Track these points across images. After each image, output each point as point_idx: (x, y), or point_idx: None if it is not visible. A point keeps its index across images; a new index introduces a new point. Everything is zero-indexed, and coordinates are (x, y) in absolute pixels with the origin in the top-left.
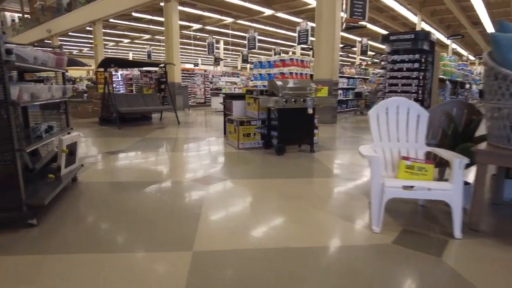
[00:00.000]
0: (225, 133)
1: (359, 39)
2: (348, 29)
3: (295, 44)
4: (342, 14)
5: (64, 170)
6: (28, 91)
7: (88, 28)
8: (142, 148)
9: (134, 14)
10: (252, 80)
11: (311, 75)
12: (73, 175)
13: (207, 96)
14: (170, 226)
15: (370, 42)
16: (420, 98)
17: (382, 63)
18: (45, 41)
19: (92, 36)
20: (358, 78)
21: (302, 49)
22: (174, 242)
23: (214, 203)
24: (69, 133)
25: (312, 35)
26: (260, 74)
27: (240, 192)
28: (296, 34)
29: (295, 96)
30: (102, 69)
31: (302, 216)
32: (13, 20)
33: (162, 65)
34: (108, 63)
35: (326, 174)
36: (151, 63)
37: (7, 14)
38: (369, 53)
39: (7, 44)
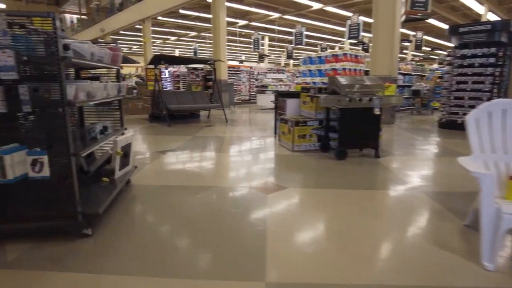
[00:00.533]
0: (275, 133)
1: (413, 33)
2: (407, 22)
3: (343, 39)
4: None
5: (118, 173)
6: (84, 90)
7: (137, 26)
8: (193, 147)
9: (181, 11)
10: (298, 77)
11: (366, 71)
12: (127, 178)
13: (251, 93)
14: (234, 244)
15: (425, 37)
16: (494, 98)
17: (448, 58)
18: (98, 39)
19: (141, 34)
20: (415, 74)
21: (351, 44)
22: (242, 267)
23: (279, 217)
24: (123, 134)
25: (364, 30)
26: (310, 70)
27: (306, 204)
28: (345, 29)
29: (360, 95)
30: (152, 66)
31: (388, 242)
32: (71, 21)
33: (210, 62)
34: (159, 60)
35: (399, 185)
36: (201, 60)
37: (67, 16)
38: (423, 48)
39: (64, 40)
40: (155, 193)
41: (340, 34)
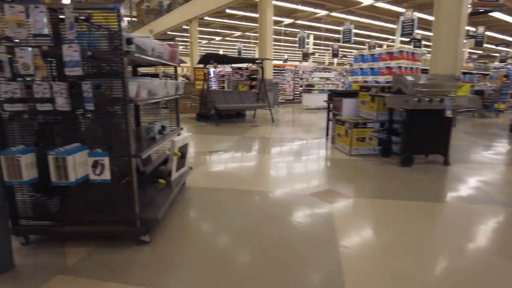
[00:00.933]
0: (327, 135)
1: (473, 28)
2: (474, 15)
3: (392, 37)
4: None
5: (174, 175)
6: (146, 87)
7: (184, 27)
8: (244, 148)
9: (227, 10)
10: (344, 75)
11: (422, 70)
12: (183, 180)
13: (295, 92)
14: (304, 264)
15: (487, 32)
16: None
17: None
18: None
19: (187, 34)
20: (476, 73)
21: (402, 42)
22: None
23: (350, 233)
24: (179, 134)
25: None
26: (361, 69)
27: (378, 218)
28: (395, 26)
29: (430, 95)
30: (200, 65)
31: (488, 269)
32: None
33: (259, 61)
34: (208, 59)
35: (481, 198)
36: (249, 59)
37: None
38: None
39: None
40: (210, 196)
41: (390, 31)
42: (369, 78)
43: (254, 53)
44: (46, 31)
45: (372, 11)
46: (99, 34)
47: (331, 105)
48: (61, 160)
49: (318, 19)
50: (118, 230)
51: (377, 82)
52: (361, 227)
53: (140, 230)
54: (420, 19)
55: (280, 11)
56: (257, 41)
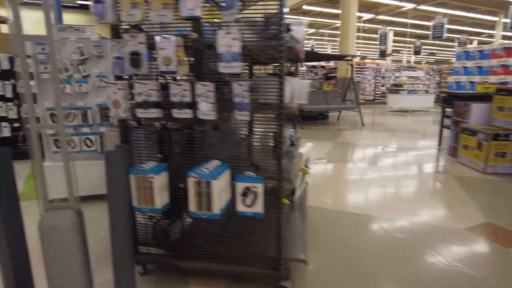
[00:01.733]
0: (440, 144)
1: None
2: None
3: (490, 31)
4: None
5: (298, 193)
6: (296, 90)
7: None
8: (344, 156)
9: (304, 7)
10: (429, 74)
11: None
12: (304, 200)
13: (376, 92)
14: None
15: None
16: None
17: None
18: None
19: None
20: None
21: (503, 37)
22: None
23: None
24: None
25: None
26: (465, 68)
27: None
28: (495, 18)
29: None
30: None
31: None
32: None
33: (348, 58)
34: None
35: None
36: (338, 56)
37: None
38: None
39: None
40: (334, 222)
41: (485, 24)
42: (476, 78)
43: (326, 51)
44: (198, 12)
45: (468, 2)
46: (248, 20)
47: (446, 110)
48: (205, 185)
49: (401, 14)
50: (254, 272)
51: (471, 82)
52: None
53: (281, 274)
54: None
55: (361, 6)
56: (331, 38)
